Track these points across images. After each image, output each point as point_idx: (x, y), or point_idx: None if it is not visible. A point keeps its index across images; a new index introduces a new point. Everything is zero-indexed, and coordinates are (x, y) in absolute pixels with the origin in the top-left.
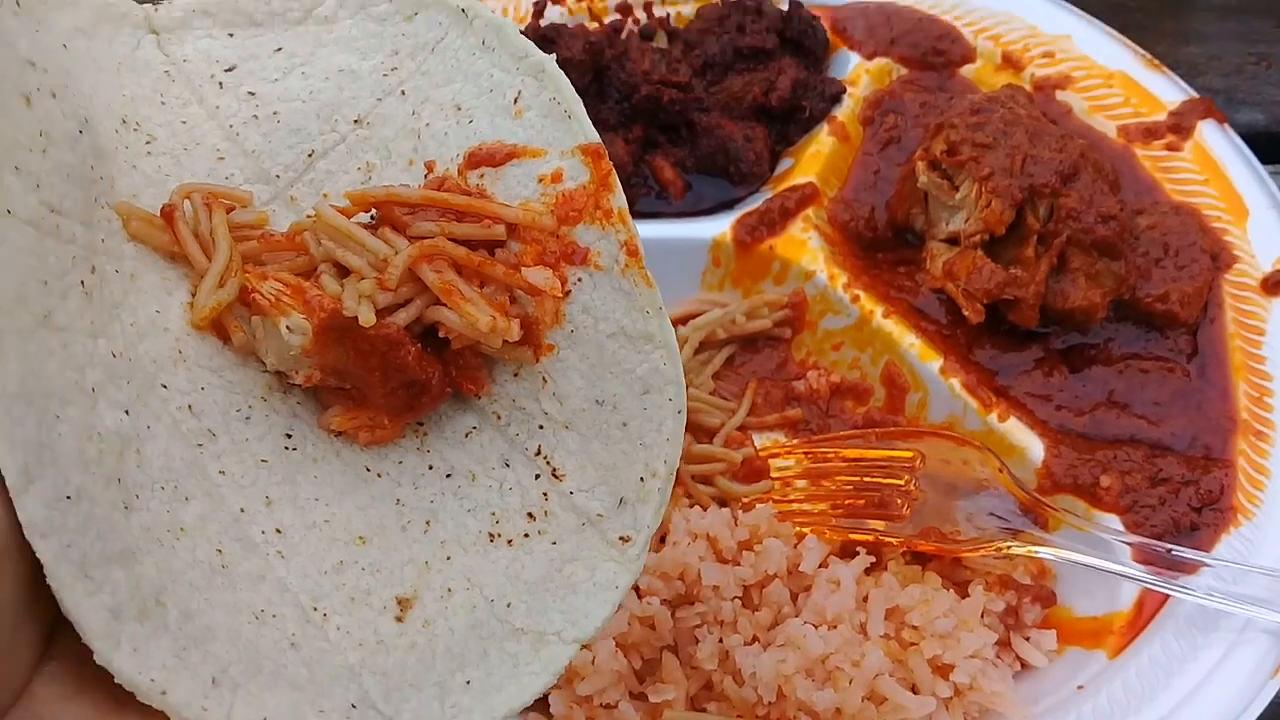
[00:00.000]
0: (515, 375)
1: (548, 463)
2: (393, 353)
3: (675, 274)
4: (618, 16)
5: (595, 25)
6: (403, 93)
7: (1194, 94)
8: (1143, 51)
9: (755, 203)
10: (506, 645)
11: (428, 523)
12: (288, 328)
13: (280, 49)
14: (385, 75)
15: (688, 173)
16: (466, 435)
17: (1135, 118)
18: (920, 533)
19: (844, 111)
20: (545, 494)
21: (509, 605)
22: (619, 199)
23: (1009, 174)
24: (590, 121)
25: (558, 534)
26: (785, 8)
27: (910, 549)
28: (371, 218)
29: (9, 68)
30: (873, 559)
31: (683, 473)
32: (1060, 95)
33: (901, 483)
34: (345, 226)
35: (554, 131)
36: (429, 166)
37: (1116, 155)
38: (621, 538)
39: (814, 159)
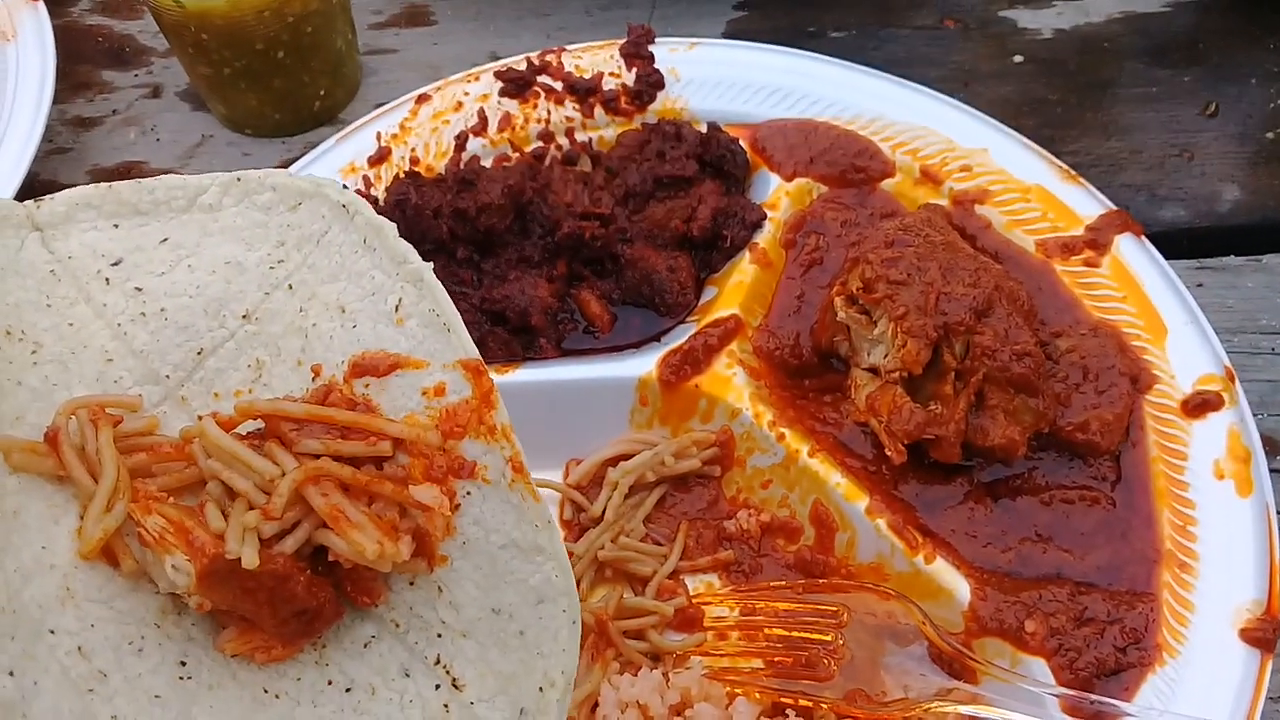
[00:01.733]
0: (411, 583)
1: (447, 672)
2: (280, 586)
3: (604, 413)
4: (540, 144)
5: (518, 155)
6: (290, 286)
7: (1111, 206)
8: (1059, 163)
9: (680, 337)
10: None
11: None
12: (173, 567)
13: (166, 239)
14: (272, 268)
15: (614, 304)
16: (365, 645)
17: (1053, 232)
18: (847, 696)
19: (765, 237)
20: (446, 705)
21: None
22: (502, 414)
23: (923, 312)
24: (468, 334)
25: None
26: (704, 129)
27: (839, 713)
28: (257, 430)
29: None
30: None
31: (613, 631)
32: (979, 210)
33: (829, 639)
34: (230, 447)
35: (435, 343)
36: (315, 370)
37: (1036, 271)
38: None
39: (736, 289)
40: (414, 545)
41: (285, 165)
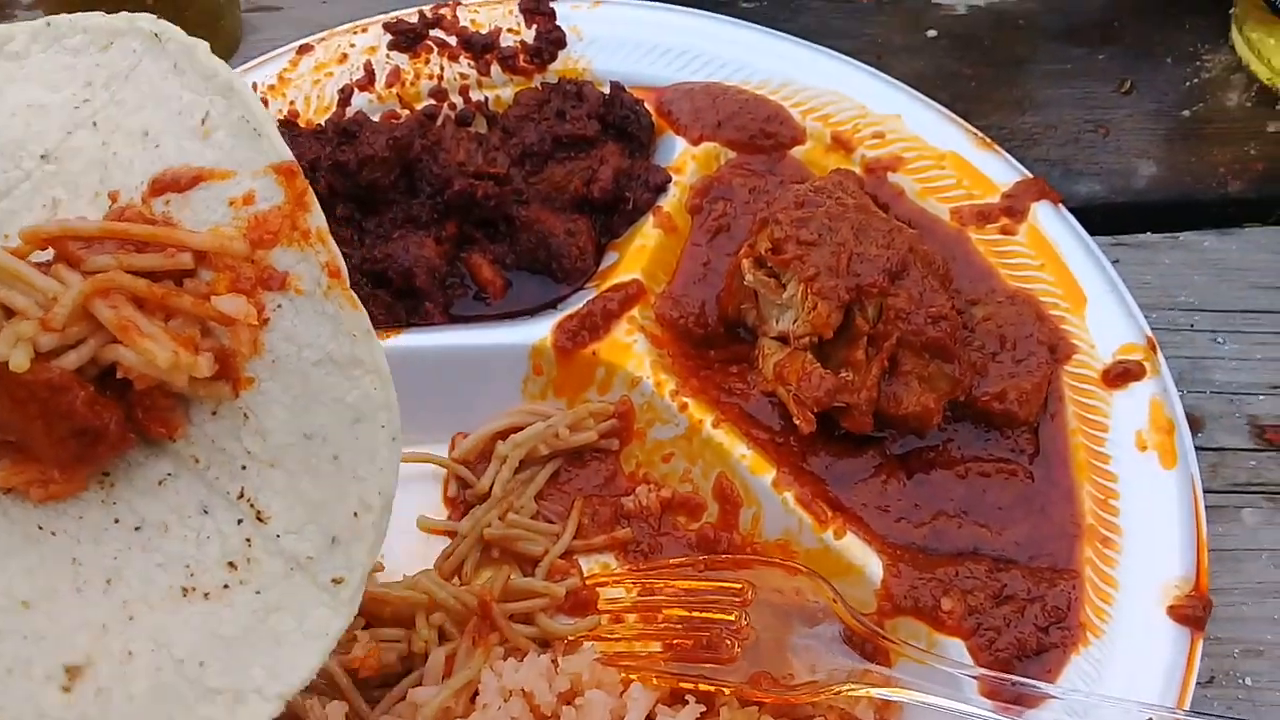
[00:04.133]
0: (214, 414)
1: (251, 505)
2: (55, 399)
3: (495, 383)
4: (432, 102)
5: (407, 113)
6: (94, 124)
7: (1027, 174)
8: (974, 130)
9: (578, 303)
10: (198, 709)
11: (109, 581)
12: None
13: None
14: (76, 108)
15: (508, 270)
16: (160, 483)
17: (968, 200)
18: (751, 679)
19: (670, 201)
20: (249, 539)
21: (201, 664)
22: (317, 218)
23: (835, 274)
24: (282, 138)
25: (262, 582)
26: (607, 90)
27: (742, 698)
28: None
29: None
30: (703, 708)
31: (498, 614)
32: (892, 177)
33: (732, 618)
34: (10, 264)
35: (244, 151)
36: (113, 197)
37: (950, 240)
38: (334, 579)
39: (639, 253)
40: (216, 366)
41: None
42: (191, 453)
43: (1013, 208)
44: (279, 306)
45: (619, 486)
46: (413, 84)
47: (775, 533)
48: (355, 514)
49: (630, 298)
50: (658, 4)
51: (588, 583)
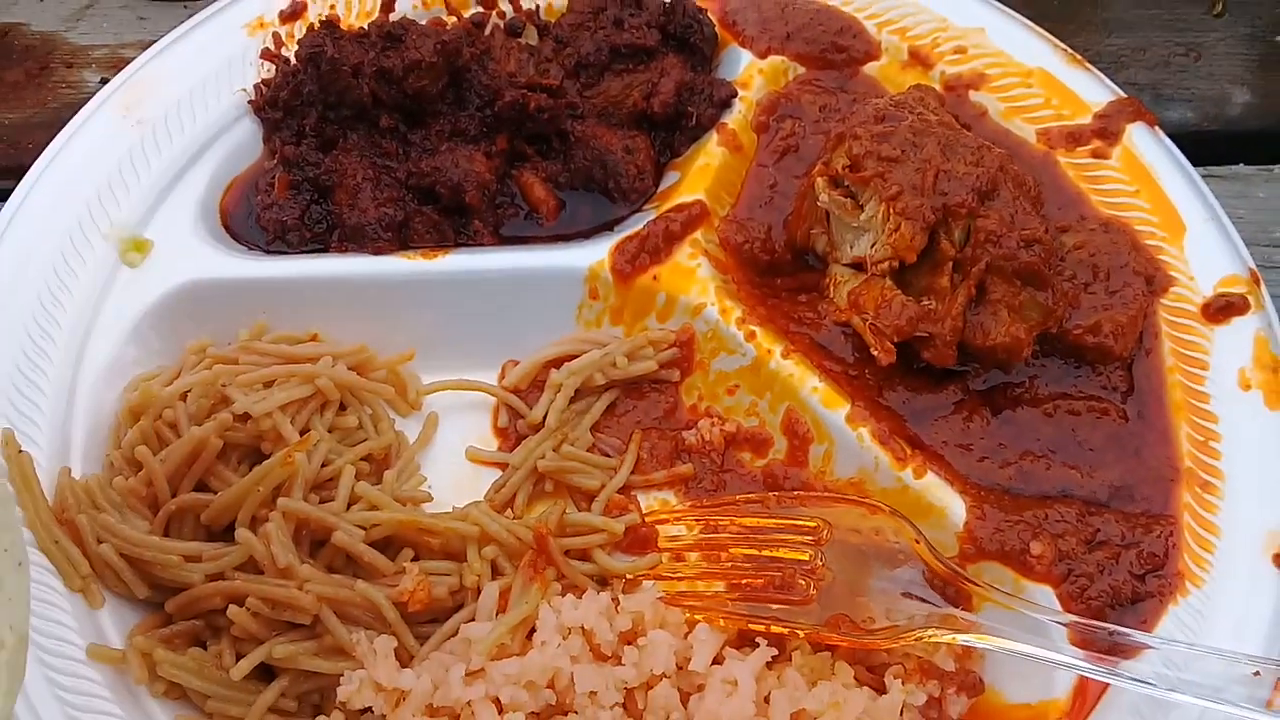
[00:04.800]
0: None
1: None
2: None
3: (547, 308)
4: (480, 10)
5: (454, 20)
6: None
7: (1120, 93)
8: (1063, 45)
9: (637, 224)
10: None
11: None
12: None
13: None
14: None
15: (561, 190)
16: None
17: (1057, 120)
18: (828, 622)
19: (735, 118)
20: None
21: None
22: None
23: (920, 192)
24: None
25: None
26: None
27: (817, 642)
28: None
29: None
30: (774, 651)
31: (554, 548)
32: (974, 96)
33: (806, 558)
34: None
35: None
36: None
37: (1037, 164)
38: None
39: (702, 173)
40: None
41: None
42: None
43: (1106, 129)
44: None
45: (679, 419)
46: None
47: (848, 471)
48: None
49: (693, 219)
50: None
51: (647, 519)
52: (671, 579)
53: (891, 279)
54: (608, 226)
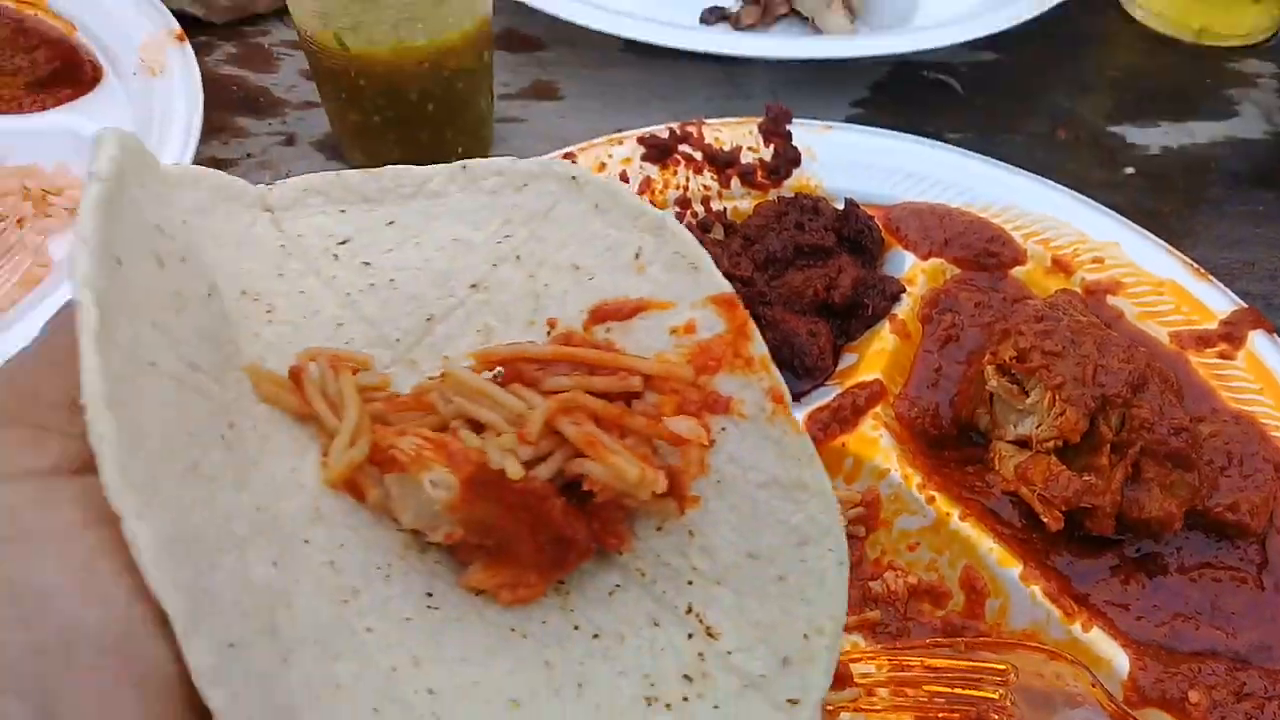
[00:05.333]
0: (659, 529)
1: (700, 621)
2: (540, 506)
3: None
4: (677, 209)
5: None
6: (518, 258)
7: (1241, 303)
8: (1189, 260)
9: (822, 398)
10: None
11: (580, 685)
12: (431, 482)
13: (393, 222)
14: (499, 243)
15: None
16: (610, 594)
17: (1187, 325)
18: None
19: (904, 309)
20: (700, 654)
21: None
22: (759, 346)
23: (1081, 383)
24: (719, 272)
25: (718, 697)
26: (841, 207)
27: None
28: (496, 377)
29: (140, 231)
30: None
31: None
32: (1111, 300)
33: (996, 697)
34: (478, 383)
35: (681, 284)
36: (550, 324)
37: (1171, 361)
38: (789, 700)
39: (878, 356)
40: (666, 484)
41: None
42: (638, 566)
43: (1231, 334)
44: (723, 429)
45: (865, 571)
46: (661, 192)
47: (1022, 623)
48: (805, 636)
49: (874, 395)
50: (884, 130)
51: (841, 659)
52: (867, 711)
53: (1055, 455)
54: (794, 399)
